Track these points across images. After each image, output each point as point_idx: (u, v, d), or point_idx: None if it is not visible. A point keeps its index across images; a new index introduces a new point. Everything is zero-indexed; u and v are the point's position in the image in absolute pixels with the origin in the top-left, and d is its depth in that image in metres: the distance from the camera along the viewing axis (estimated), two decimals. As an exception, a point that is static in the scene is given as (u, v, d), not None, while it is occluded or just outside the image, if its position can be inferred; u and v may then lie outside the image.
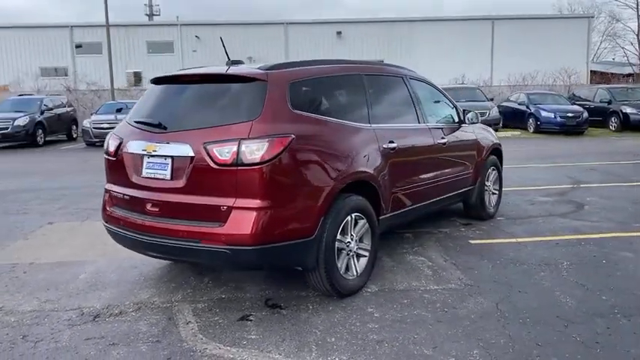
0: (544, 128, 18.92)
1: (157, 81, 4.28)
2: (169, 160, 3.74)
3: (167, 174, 3.75)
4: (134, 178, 3.97)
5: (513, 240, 5.55)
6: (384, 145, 4.45)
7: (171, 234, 3.66)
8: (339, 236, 3.96)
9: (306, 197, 3.69)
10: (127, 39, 35.99)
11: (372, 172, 4.26)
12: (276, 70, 3.87)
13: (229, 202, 3.51)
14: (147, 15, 49.61)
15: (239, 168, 3.47)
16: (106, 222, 4.26)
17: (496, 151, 6.59)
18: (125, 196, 4.05)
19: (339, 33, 36.27)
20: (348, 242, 4.08)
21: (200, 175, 3.60)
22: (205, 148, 3.54)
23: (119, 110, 17.10)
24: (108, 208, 4.24)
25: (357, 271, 4.18)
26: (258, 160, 3.45)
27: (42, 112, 18.88)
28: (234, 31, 35.22)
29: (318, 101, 4.11)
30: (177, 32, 36.72)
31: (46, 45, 35.55)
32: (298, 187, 3.65)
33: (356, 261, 4.19)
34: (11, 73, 34.26)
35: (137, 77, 35.23)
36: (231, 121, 3.60)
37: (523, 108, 20.21)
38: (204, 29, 36.11)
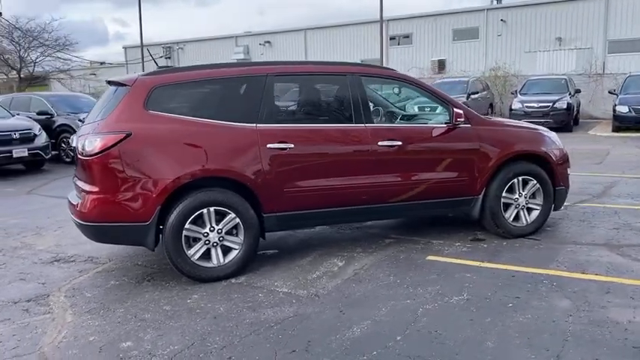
0: None
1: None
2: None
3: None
4: None
5: (476, 264, 4.66)
6: (270, 145, 4.52)
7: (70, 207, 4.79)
8: (188, 225, 4.35)
9: (139, 187, 4.25)
10: (434, 28, 37.37)
11: (240, 170, 4.44)
12: (148, 76, 4.51)
13: (83, 185, 4.41)
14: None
15: (84, 158, 4.32)
16: None
17: (536, 158, 5.39)
18: None
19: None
20: (206, 233, 4.43)
21: (78, 162, 4.59)
22: (77, 141, 4.50)
23: None
24: None
25: (220, 261, 4.47)
26: (92, 152, 4.24)
27: None
28: (542, 10, 32.79)
29: (187, 103, 4.52)
30: (483, 17, 36.19)
31: (362, 39, 39.70)
32: (131, 178, 4.23)
33: (220, 252, 4.48)
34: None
35: (441, 65, 36.32)
36: (97, 120, 4.45)
37: None
38: (511, 12, 34.71)
